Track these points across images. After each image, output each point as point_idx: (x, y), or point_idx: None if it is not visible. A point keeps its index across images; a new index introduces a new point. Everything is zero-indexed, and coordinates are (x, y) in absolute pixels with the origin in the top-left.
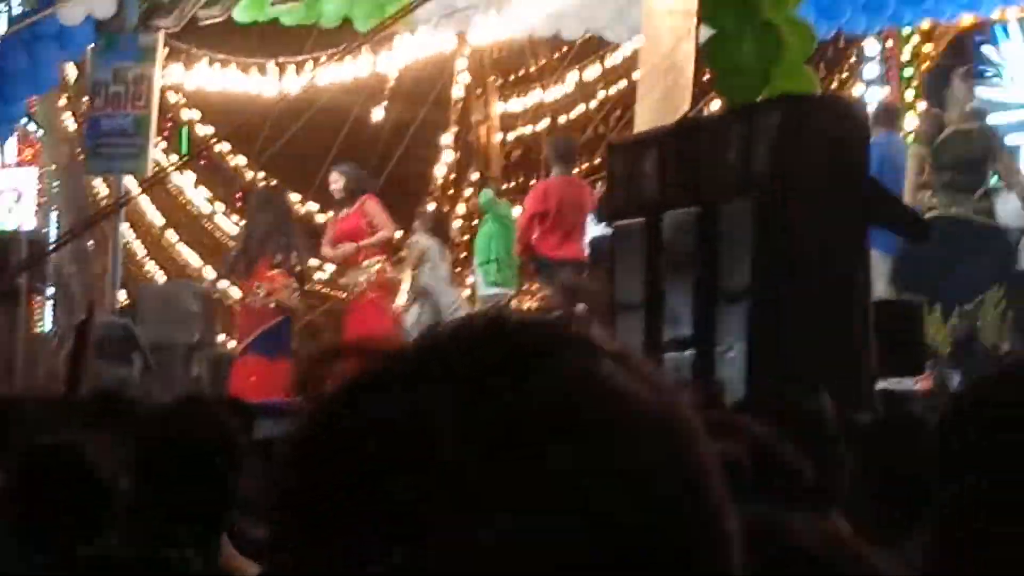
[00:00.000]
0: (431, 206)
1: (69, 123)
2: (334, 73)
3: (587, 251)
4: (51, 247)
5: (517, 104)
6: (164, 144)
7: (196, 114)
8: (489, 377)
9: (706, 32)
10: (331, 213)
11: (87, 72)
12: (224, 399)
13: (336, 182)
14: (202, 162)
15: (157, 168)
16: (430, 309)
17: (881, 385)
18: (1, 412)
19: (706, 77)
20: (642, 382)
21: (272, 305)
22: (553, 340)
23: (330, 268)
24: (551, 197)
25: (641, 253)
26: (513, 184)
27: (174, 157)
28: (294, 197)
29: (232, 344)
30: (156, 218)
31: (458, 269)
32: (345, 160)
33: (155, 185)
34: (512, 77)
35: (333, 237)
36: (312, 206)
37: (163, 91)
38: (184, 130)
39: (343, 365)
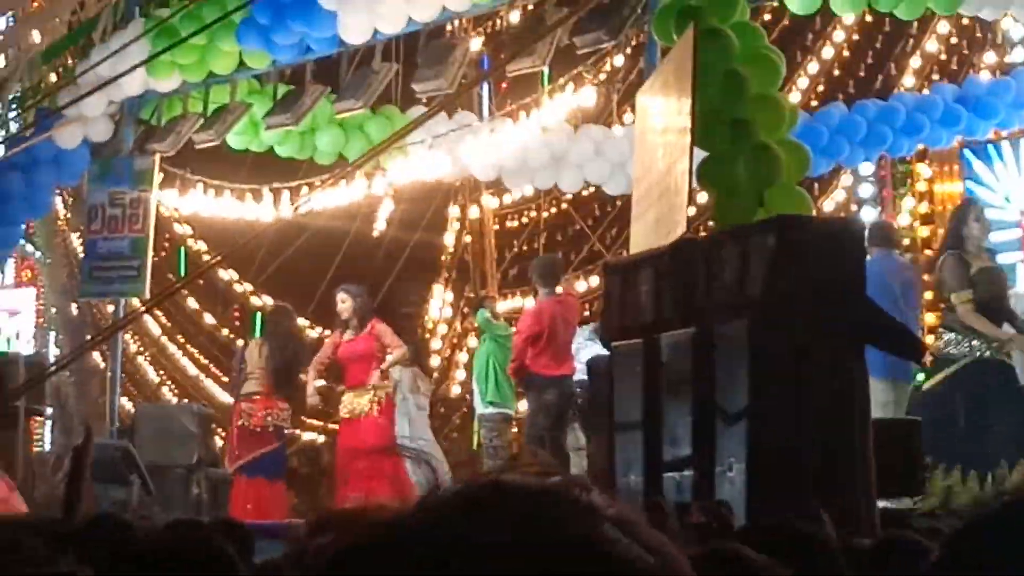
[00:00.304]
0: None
1: (69, 245)
2: (330, 197)
3: (581, 370)
4: (49, 369)
5: (513, 222)
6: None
7: (191, 232)
8: (492, 546)
9: (700, 153)
10: (326, 331)
11: (83, 196)
12: (223, 522)
13: (344, 302)
14: (200, 281)
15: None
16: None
17: (881, 504)
18: None
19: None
20: (643, 547)
21: (271, 429)
22: (555, 507)
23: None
24: (544, 318)
25: (639, 373)
26: (509, 300)
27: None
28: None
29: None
30: (156, 328)
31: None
32: (346, 279)
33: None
34: (508, 196)
35: (338, 356)
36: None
37: (159, 210)
38: (182, 250)
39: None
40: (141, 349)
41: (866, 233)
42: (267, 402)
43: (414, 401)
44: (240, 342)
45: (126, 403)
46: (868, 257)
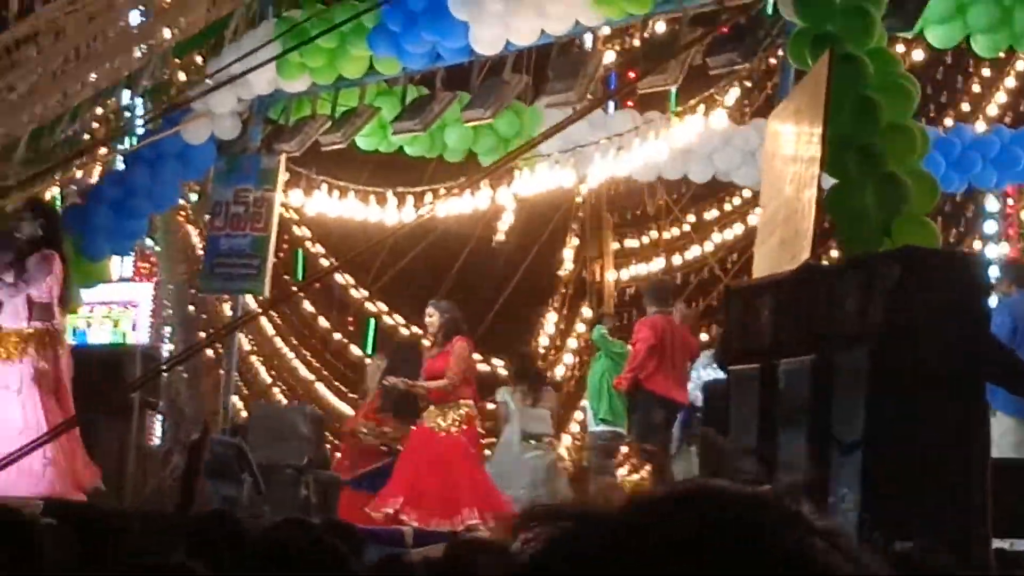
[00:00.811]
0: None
1: (188, 240)
2: (452, 204)
3: (701, 396)
4: (165, 363)
5: (632, 242)
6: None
7: (310, 235)
8: (702, 552)
9: (829, 180)
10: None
11: (208, 192)
12: (335, 523)
13: (431, 316)
14: (316, 285)
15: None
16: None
17: (996, 545)
18: (111, 527)
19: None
20: (850, 561)
21: (383, 447)
22: (765, 516)
23: None
24: (658, 333)
25: (756, 399)
26: (625, 322)
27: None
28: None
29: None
30: (270, 328)
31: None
32: (461, 289)
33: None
34: (628, 215)
35: (423, 372)
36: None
37: (280, 213)
38: (300, 252)
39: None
40: (254, 348)
41: (1002, 271)
42: (380, 420)
43: (520, 425)
44: (368, 360)
45: (236, 401)
46: (1008, 296)
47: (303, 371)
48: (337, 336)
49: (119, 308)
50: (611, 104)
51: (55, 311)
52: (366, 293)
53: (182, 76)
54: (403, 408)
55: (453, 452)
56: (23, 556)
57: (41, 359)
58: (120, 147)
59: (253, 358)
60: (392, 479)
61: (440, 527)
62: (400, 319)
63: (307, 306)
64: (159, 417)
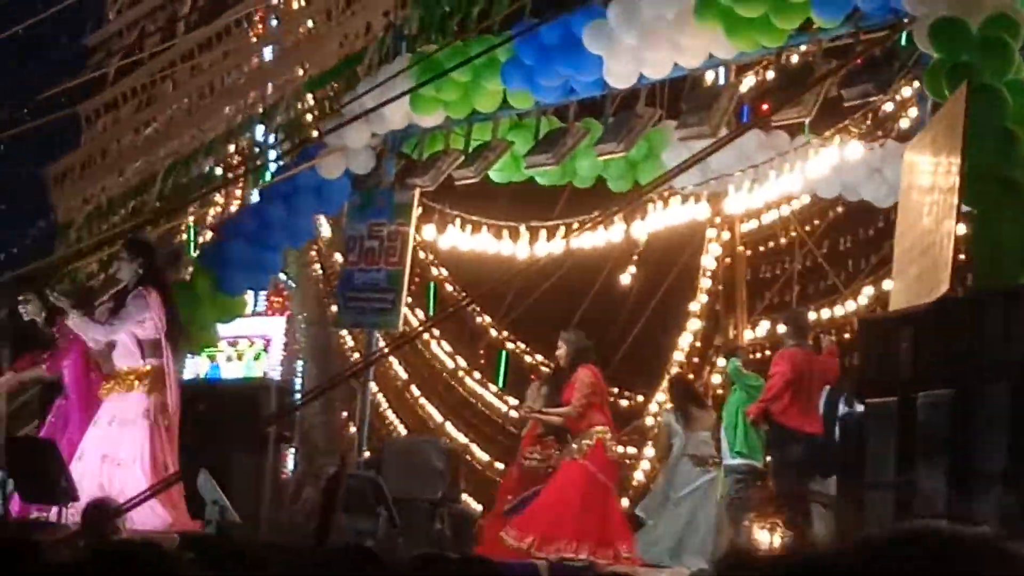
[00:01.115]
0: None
1: (320, 274)
2: (585, 238)
3: (837, 429)
4: (300, 398)
5: (767, 273)
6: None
7: (443, 272)
8: None
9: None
10: None
11: (342, 226)
12: (471, 558)
13: (560, 348)
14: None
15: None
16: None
17: None
18: (249, 561)
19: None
20: None
21: (548, 470)
22: (991, 558)
23: None
24: (796, 366)
25: (894, 432)
26: (759, 356)
27: (420, 313)
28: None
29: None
30: (400, 372)
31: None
32: (590, 323)
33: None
34: (761, 248)
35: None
36: None
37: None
38: (432, 286)
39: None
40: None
41: None
42: (544, 444)
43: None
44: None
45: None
46: None
47: (429, 407)
48: (467, 371)
49: (252, 342)
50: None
51: (163, 346)
52: (499, 329)
53: (315, 111)
54: (565, 432)
55: (582, 480)
56: None
57: (155, 394)
58: (258, 181)
59: (379, 396)
60: (529, 510)
61: (572, 556)
62: (533, 353)
63: (438, 345)
64: (291, 450)
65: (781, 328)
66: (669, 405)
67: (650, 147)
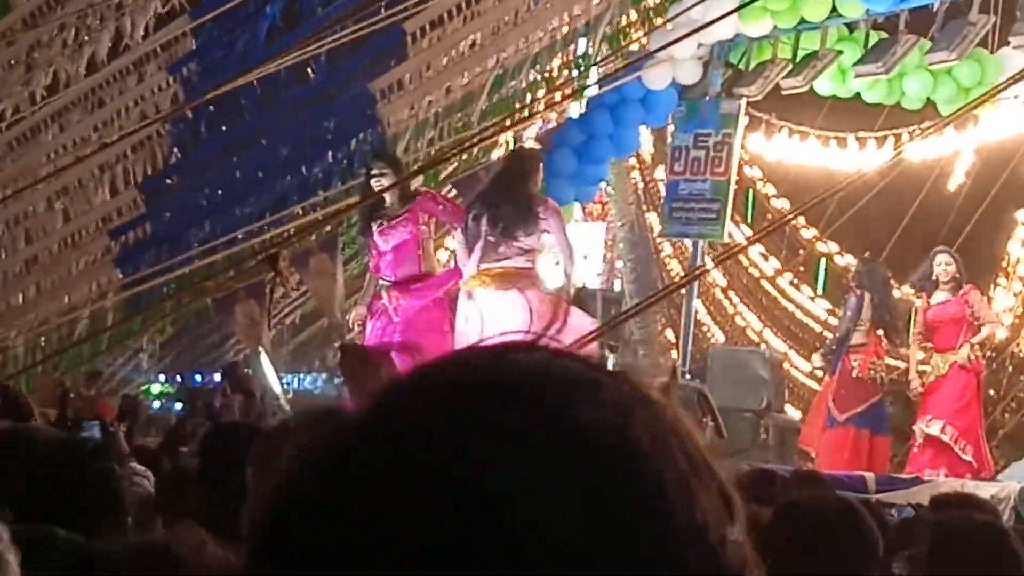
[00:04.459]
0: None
1: (639, 183)
2: (913, 150)
3: None
4: (627, 311)
5: None
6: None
7: (768, 186)
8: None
9: None
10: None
11: (665, 136)
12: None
13: (949, 265)
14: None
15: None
16: None
17: None
18: None
19: None
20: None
21: (877, 380)
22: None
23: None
24: None
25: None
26: None
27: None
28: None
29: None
30: (720, 280)
31: None
32: (914, 232)
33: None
34: None
35: (926, 321)
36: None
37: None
38: (750, 192)
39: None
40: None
41: None
42: (873, 352)
43: None
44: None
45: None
46: None
47: (748, 316)
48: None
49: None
50: None
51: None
52: (819, 235)
53: (641, 23)
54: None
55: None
56: None
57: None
58: (585, 93)
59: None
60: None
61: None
62: (852, 260)
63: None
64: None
65: None
66: None
67: (983, 72)
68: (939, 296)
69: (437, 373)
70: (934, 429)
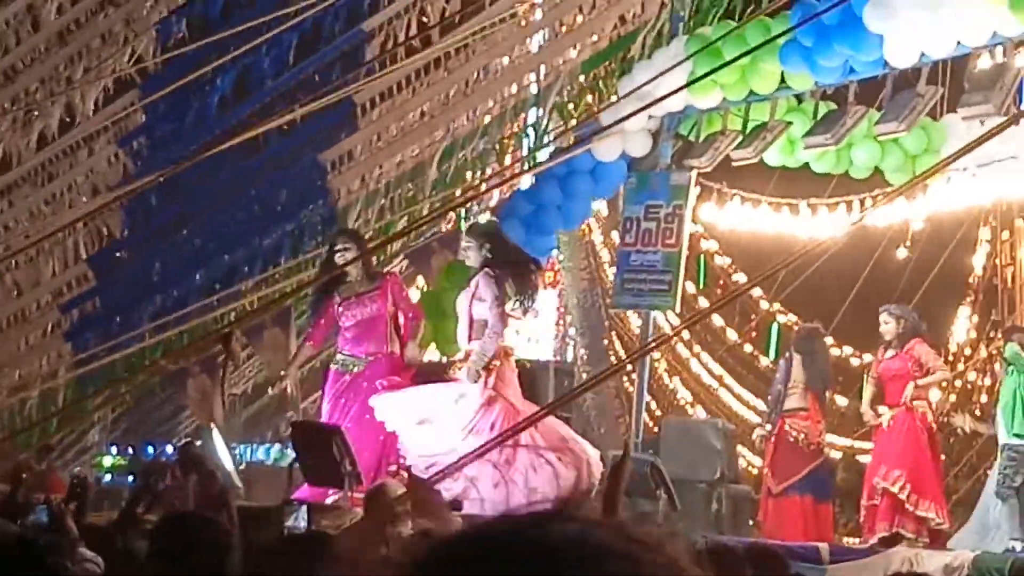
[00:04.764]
0: None
1: (592, 254)
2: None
3: None
4: (586, 382)
5: None
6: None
7: (717, 248)
8: None
9: None
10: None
11: (618, 207)
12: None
13: (888, 323)
14: (718, 290)
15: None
16: None
17: None
18: None
19: None
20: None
21: (811, 447)
22: None
23: None
24: None
25: None
26: None
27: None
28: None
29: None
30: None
31: None
32: (864, 297)
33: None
34: None
35: (878, 377)
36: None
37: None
38: (701, 259)
39: None
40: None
41: None
42: (810, 417)
43: None
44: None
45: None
46: None
47: (706, 378)
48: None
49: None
50: None
51: None
52: (775, 305)
53: (591, 93)
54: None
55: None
56: None
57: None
58: (535, 163)
59: (661, 370)
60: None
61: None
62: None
63: (715, 319)
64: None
65: None
66: None
67: (929, 140)
68: (888, 352)
69: (484, 539)
70: (888, 482)
